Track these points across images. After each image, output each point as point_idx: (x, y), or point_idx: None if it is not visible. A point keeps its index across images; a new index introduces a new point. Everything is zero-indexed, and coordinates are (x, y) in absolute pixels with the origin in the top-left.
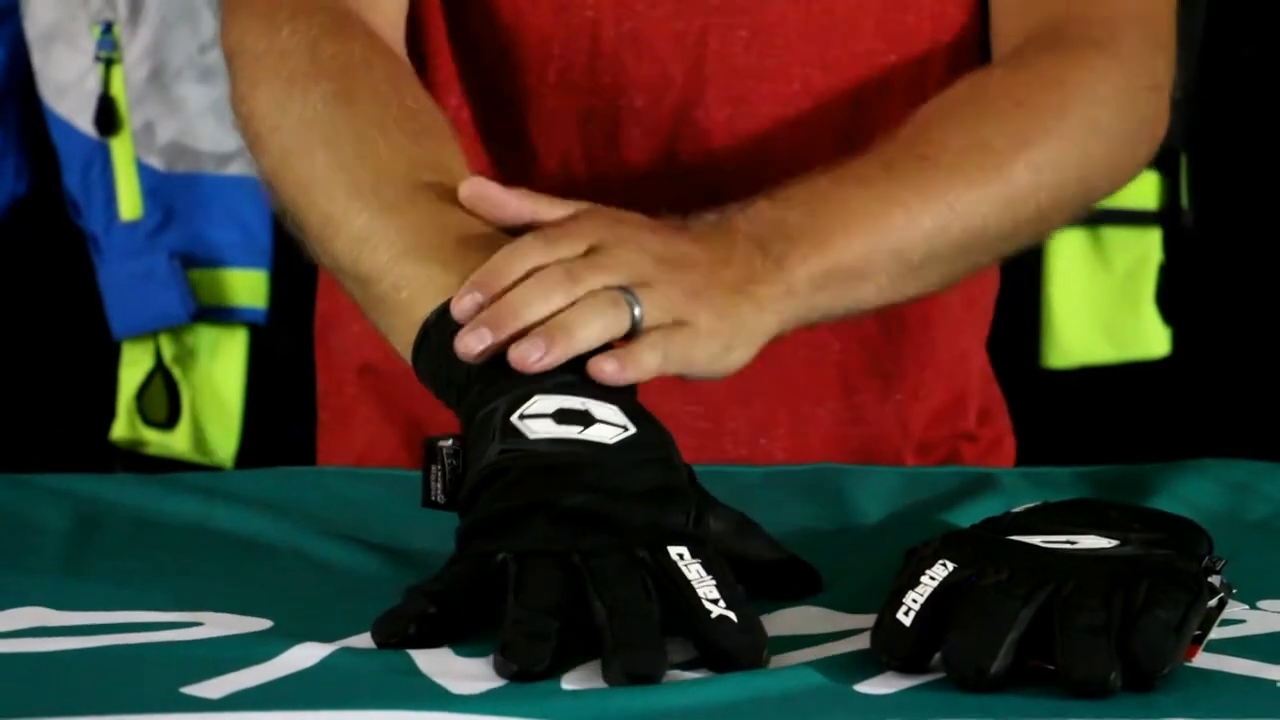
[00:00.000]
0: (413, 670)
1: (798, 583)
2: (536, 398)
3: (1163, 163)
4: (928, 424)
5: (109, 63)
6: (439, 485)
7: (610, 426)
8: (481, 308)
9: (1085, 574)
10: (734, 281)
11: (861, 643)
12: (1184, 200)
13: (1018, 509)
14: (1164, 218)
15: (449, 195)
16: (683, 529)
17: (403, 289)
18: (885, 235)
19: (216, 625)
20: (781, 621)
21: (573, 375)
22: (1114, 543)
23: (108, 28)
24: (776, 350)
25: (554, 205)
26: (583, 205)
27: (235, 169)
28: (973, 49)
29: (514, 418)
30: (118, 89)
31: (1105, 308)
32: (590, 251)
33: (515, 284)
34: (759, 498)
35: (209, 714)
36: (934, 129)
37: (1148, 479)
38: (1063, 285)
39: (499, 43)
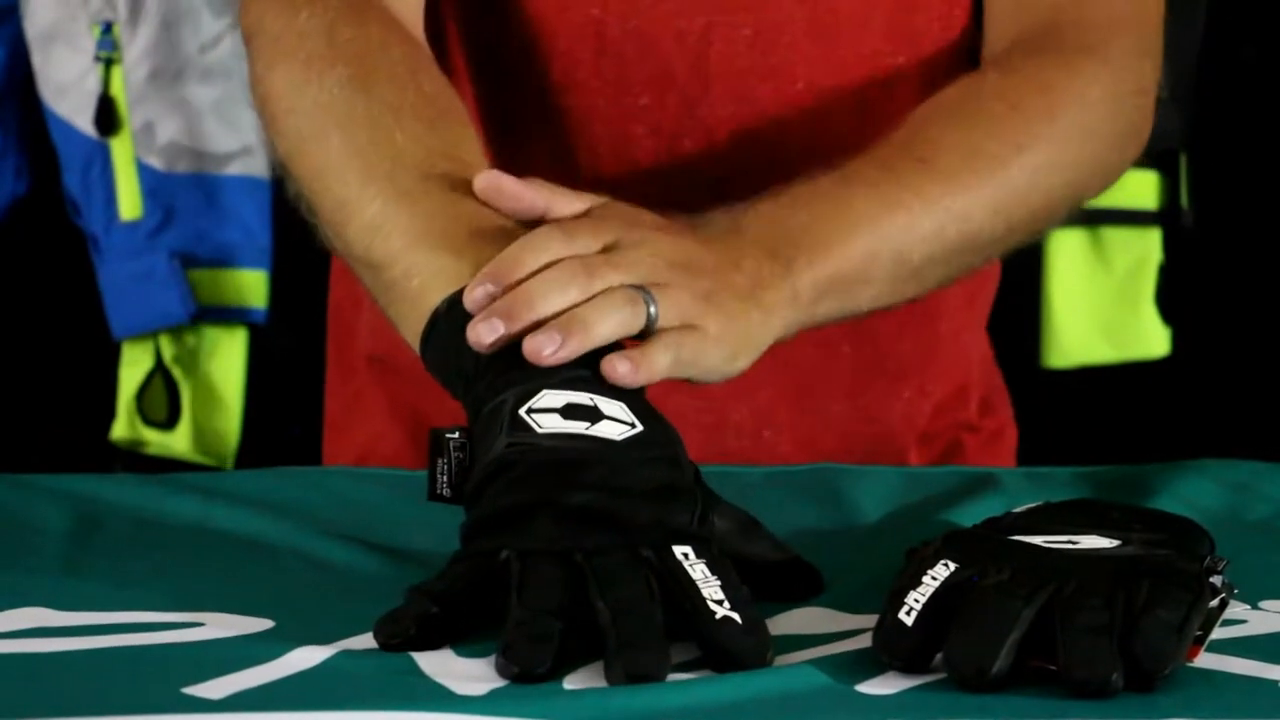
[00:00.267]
0: (414, 671)
1: (800, 584)
2: (545, 392)
3: (1163, 163)
4: (931, 416)
5: (109, 63)
6: (445, 478)
7: (617, 423)
8: (494, 298)
9: (1087, 574)
10: (744, 287)
11: (863, 643)
12: (1184, 200)
13: (1019, 509)
14: (1164, 218)
15: (463, 184)
16: (688, 528)
17: (414, 277)
18: (886, 239)
19: (217, 626)
20: (783, 622)
21: (581, 371)
22: (1115, 543)
23: (108, 28)
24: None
25: (569, 199)
26: (598, 199)
27: (235, 169)
28: (976, 51)
29: (522, 411)
30: (118, 89)
31: (1105, 308)
32: (607, 249)
33: (530, 276)
34: (760, 497)
35: (210, 714)
36: (930, 130)
37: (1148, 479)
38: (1063, 285)
39: (507, 39)
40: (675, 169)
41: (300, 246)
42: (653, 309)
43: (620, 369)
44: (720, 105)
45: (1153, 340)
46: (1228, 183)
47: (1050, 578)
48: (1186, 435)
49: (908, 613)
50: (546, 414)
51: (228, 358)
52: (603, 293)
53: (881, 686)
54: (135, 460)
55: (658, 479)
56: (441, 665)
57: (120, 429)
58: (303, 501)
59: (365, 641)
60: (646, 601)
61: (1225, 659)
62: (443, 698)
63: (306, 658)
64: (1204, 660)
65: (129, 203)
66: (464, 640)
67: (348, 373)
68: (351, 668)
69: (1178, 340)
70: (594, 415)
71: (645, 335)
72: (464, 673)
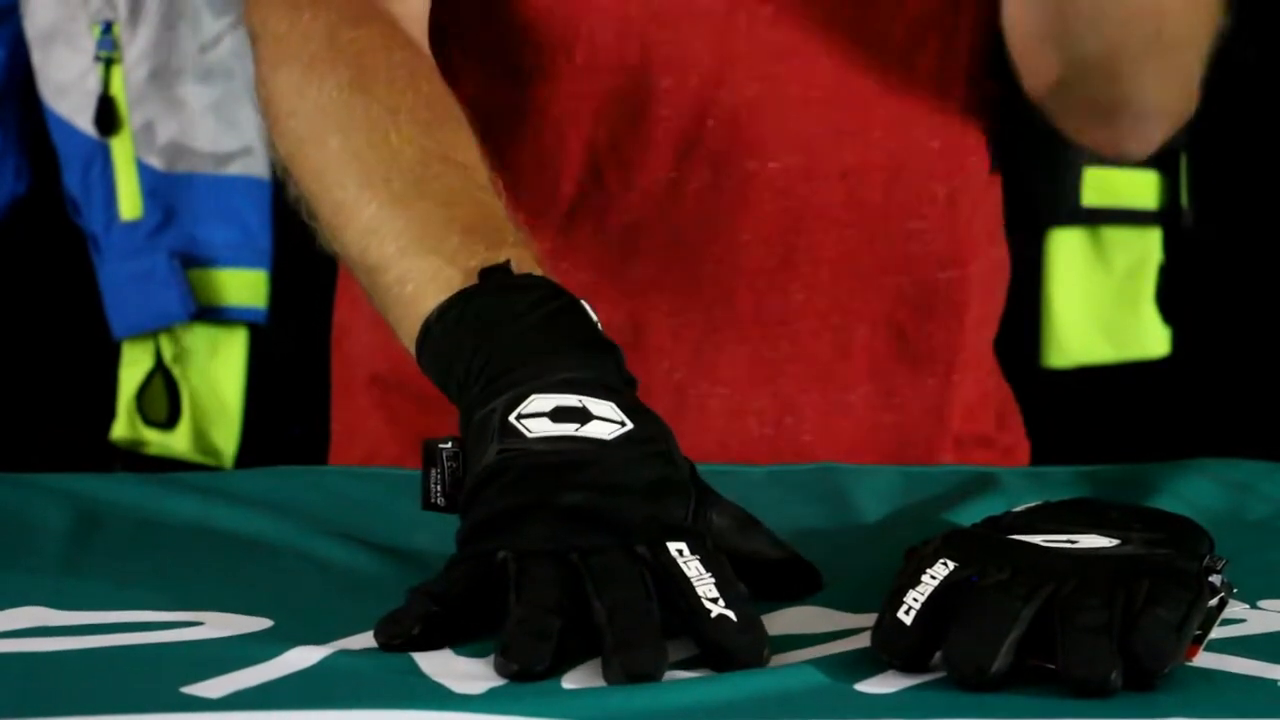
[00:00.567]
0: (414, 670)
1: (799, 582)
2: (533, 397)
3: (1163, 162)
4: (963, 417)
5: (109, 62)
6: (438, 488)
7: (608, 423)
8: None
9: (1086, 573)
10: None
11: (862, 642)
12: (1184, 200)
13: (1018, 508)
14: (1164, 218)
15: (457, 186)
16: (682, 523)
17: (408, 283)
18: None
19: (216, 625)
20: (782, 620)
21: (569, 374)
22: (1115, 542)
23: (107, 27)
24: (800, 330)
25: None
26: None
27: (235, 169)
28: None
29: (511, 418)
30: (117, 89)
31: (1105, 308)
32: None
33: None
34: (759, 497)
35: (209, 714)
36: None
37: (1148, 478)
38: (1063, 285)
39: (525, 25)
40: (698, 150)
41: (300, 247)
42: None
43: None
44: (743, 85)
45: (1153, 340)
46: (1228, 183)
47: (1050, 577)
48: (1186, 435)
49: (907, 612)
50: (536, 418)
51: (228, 358)
52: None
53: (880, 685)
54: (135, 460)
55: (650, 475)
56: (440, 664)
57: (120, 429)
58: (302, 501)
59: (364, 641)
60: (642, 600)
61: (1224, 658)
62: (441, 696)
63: (306, 657)
64: (1203, 659)
65: (129, 202)
66: (463, 641)
67: (349, 396)
68: (350, 667)
69: (1178, 340)
70: (583, 416)
71: None
72: (462, 671)
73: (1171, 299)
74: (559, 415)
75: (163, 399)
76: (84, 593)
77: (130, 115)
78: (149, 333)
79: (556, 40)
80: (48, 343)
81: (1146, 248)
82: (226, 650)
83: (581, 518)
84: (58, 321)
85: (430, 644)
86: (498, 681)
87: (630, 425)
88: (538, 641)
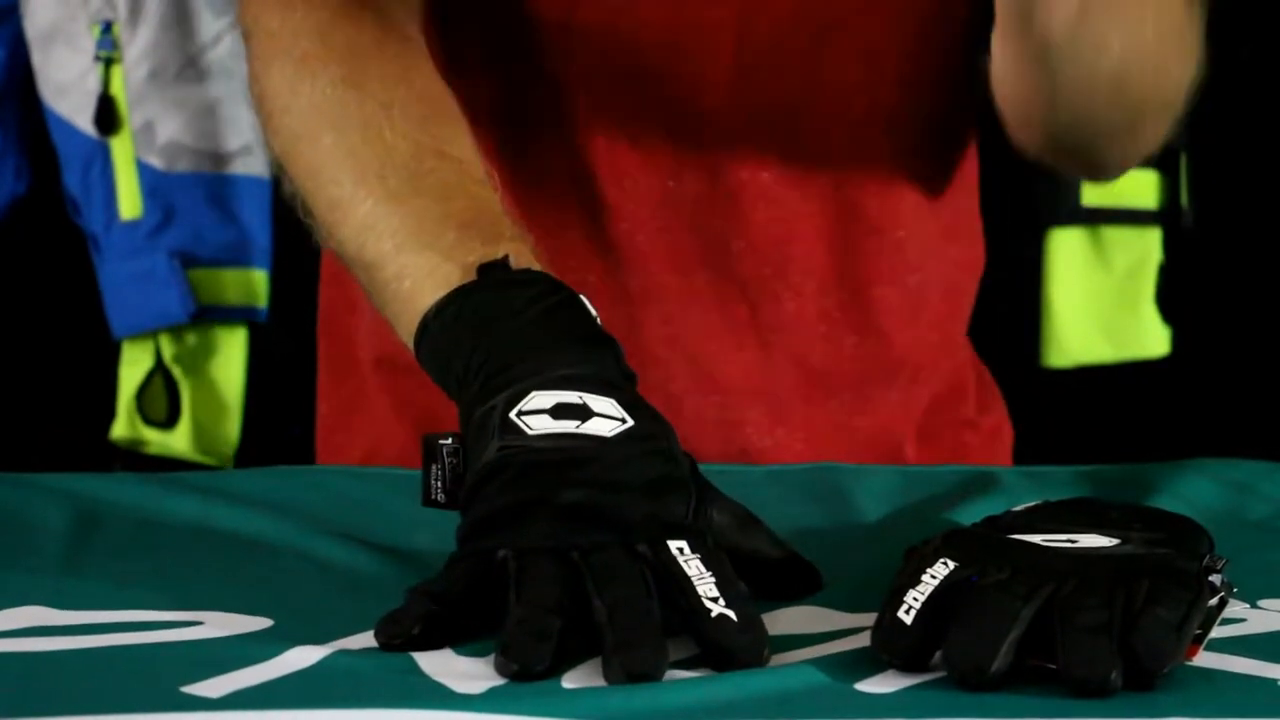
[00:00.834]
0: (414, 669)
1: (799, 581)
2: (534, 394)
3: (1163, 162)
4: (928, 410)
5: (109, 62)
6: (439, 484)
7: (608, 419)
8: None
9: (1086, 573)
10: None
11: (862, 641)
12: (1184, 200)
13: (1018, 508)
14: (1164, 217)
15: (453, 181)
16: (682, 521)
17: (405, 279)
18: None
19: (216, 625)
20: (782, 620)
21: (569, 370)
22: (1115, 542)
23: (107, 27)
24: (792, 341)
25: None
26: None
27: (235, 168)
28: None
29: (512, 414)
30: (117, 88)
31: (1105, 307)
32: None
33: None
34: (759, 496)
35: (209, 713)
36: None
37: (1148, 478)
38: (1063, 285)
39: (525, 32)
40: (693, 161)
41: (300, 246)
42: None
43: None
44: (737, 96)
45: (1152, 340)
46: (1228, 183)
47: (1049, 577)
48: (1186, 435)
49: (907, 611)
50: (536, 415)
51: (228, 357)
52: None
53: (880, 685)
54: (135, 460)
55: (650, 473)
56: (440, 664)
57: (120, 428)
58: (302, 501)
59: (364, 640)
60: (643, 598)
61: (1224, 658)
62: (441, 696)
63: (305, 657)
64: (1203, 659)
65: (129, 202)
66: (463, 640)
67: (343, 374)
68: (350, 666)
69: (1178, 340)
70: (584, 413)
71: None
72: (462, 671)
73: (1171, 299)
74: (559, 412)
75: (163, 399)
76: (84, 592)
77: (130, 115)
78: (149, 332)
79: (553, 51)
80: (48, 343)
81: (1146, 247)
82: (226, 650)
83: (582, 515)
84: (58, 321)
85: (430, 644)
86: (498, 681)
87: (631, 422)
88: (538, 641)
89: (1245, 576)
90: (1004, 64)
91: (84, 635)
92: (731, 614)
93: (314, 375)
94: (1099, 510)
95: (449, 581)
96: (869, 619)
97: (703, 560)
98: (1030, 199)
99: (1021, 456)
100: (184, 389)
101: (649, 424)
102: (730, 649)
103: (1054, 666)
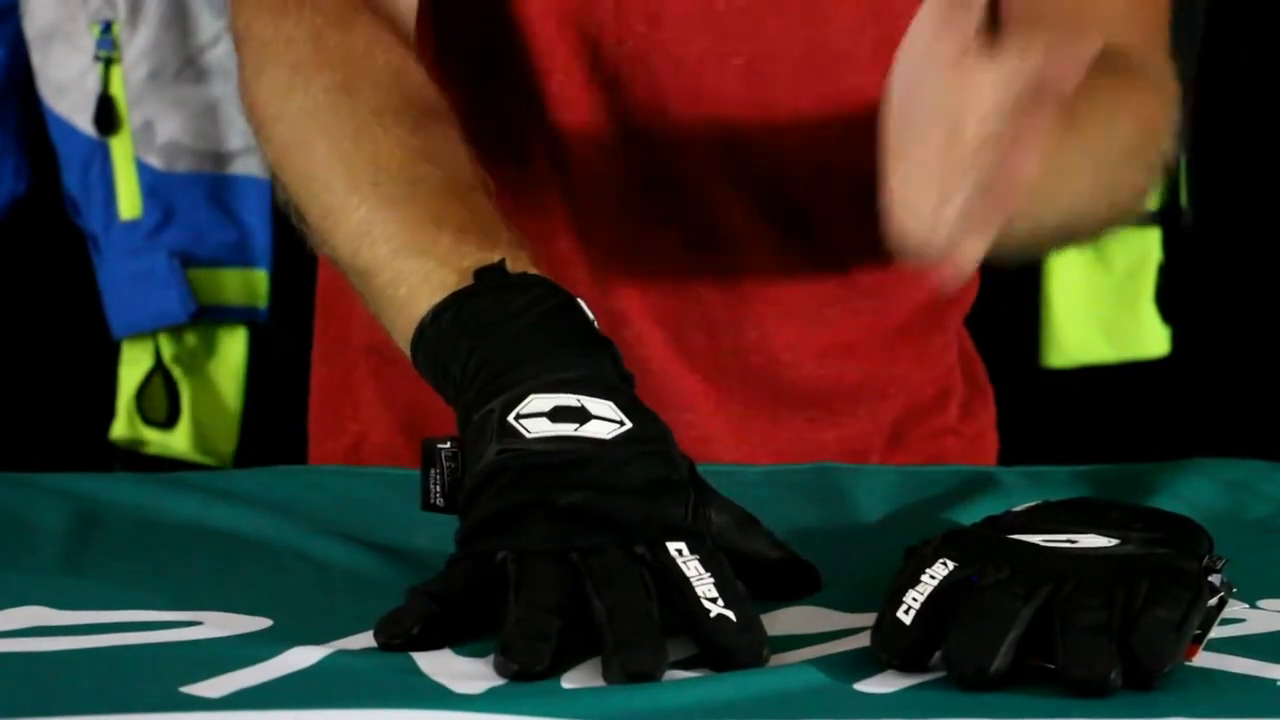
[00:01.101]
0: (413, 669)
1: (797, 581)
2: (532, 397)
3: None
4: (899, 419)
5: (108, 62)
6: (438, 488)
7: (606, 422)
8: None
9: (1086, 573)
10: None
11: (862, 641)
12: (1183, 200)
13: (1018, 508)
14: (1163, 217)
15: (447, 186)
16: (681, 523)
17: (400, 285)
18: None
19: (216, 625)
20: (781, 620)
21: (567, 373)
22: (1114, 542)
23: (107, 27)
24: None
25: None
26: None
27: (234, 168)
28: None
29: (510, 418)
30: (117, 88)
31: (1105, 307)
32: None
33: None
34: (758, 496)
35: (209, 713)
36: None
37: (1147, 478)
38: (1062, 285)
39: (504, 52)
40: (663, 192)
41: (300, 246)
42: None
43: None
44: (709, 132)
45: (1152, 340)
46: (1227, 183)
47: (1049, 577)
48: (1186, 435)
49: (906, 611)
50: (534, 418)
51: (228, 357)
52: None
53: (880, 685)
54: (135, 459)
55: (649, 475)
56: (440, 664)
57: (120, 428)
58: (302, 501)
59: (364, 640)
60: (642, 599)
61: (1224, 658)
62: (441, 696)
63: (305, 657)
64: (1202, 659)
65: (128, 202)
66: (463, 640)
67: (336, 359)
68: (350, 666)
69: (1177, 340)
70: (582, 416)
71: None
72: (462, 671)
73: (1171, 299)
74: (558, 415)
75: (162, 398)
76: (84, 592)
77: (130, 115)
78: (149, 332)
79: (532, 71)
80: (48, 343)
81: (1146, 247)
82: (226, 650)
83: (581, 517)
84: (58, 321)
85: (430, 644)
86: (497, 681)
87: (629, 424)
88: (537, 641)
89: (1245, 576)
90: None
91: (84, 635)
92: (731, 614)
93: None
94: (1099, 510)
95: (449, 582)
96: (869, 619)
97: (701, 561)
98: None
99: (1021, 456)
100: (184, 389)
101: (647, 426)
102: (730, 649)
103: (1054, 666)
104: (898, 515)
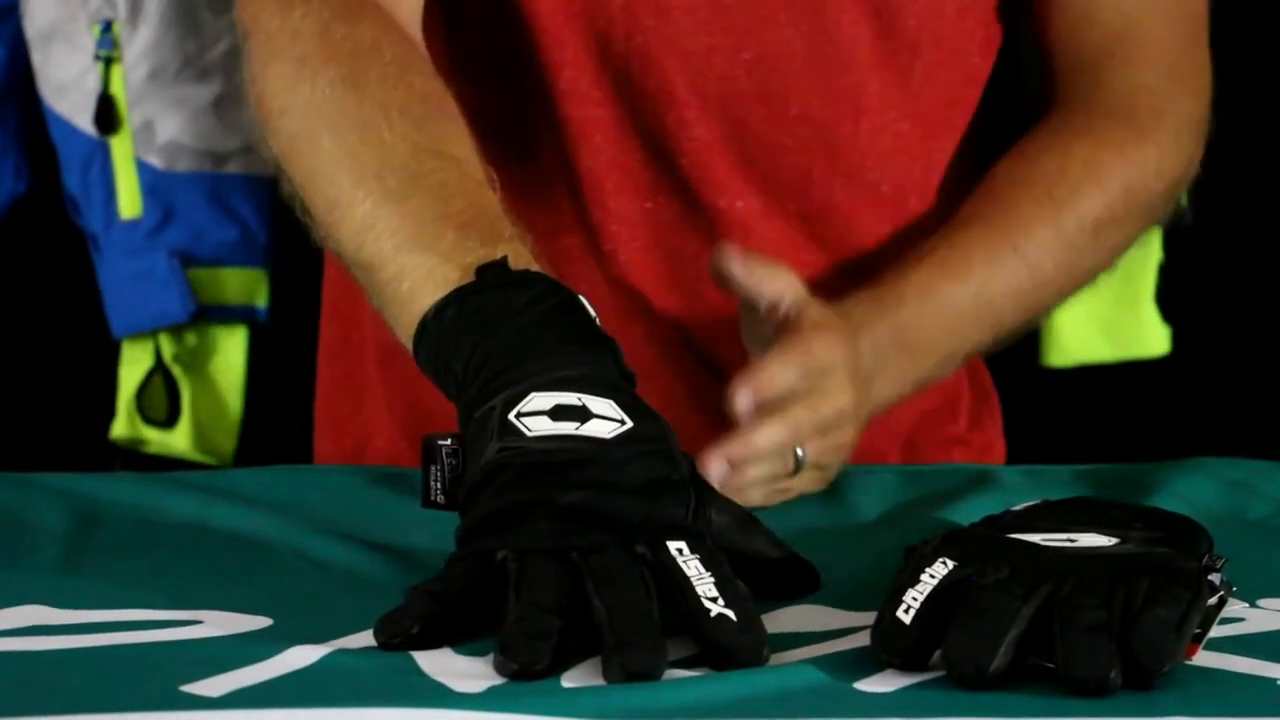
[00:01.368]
0: (413, 669)
1: (798, 581)
2: (533, 395)
3: None
4: (914, 426)
5: (108, 61)
6: (438, 485)
7: (607, 421)
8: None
9: (1085, 572)
10: (860, 425)
11: (861, 640)
12: (1183, 199)
13: (1018, 507)
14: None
15: (451, 181)
16: (681, 522)
17: (404, 280)
18: (978, 335)
19: (216, 624)
20: (781, 619)
21: (569, 371)
22: (1114, 541)
23: (107, 26)
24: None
25: (771, 280)
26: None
27: (235, 167)
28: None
29: (511, 416)
30: (117, 88)
31: (1104, 306)
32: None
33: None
34: None
35: (209, 712)
36: (1022, 210)
37: (1147, 478)
38: None
39: (512, 45)
40: (671, 185)
41: (300, 245)
42: (800, 456)
43: (714, 472)
44: (716, 126)
45: (1152, 339)
46: (1228, 183)
47: (1049, 576)
48: (1186, 434)
49: (906, 610)
50: (535, 417)
51: (228, 357)
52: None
53: (880, 684)
54: (135, 459)
55: (650, 474)
56: (440, 663)
57: (120, 428)
58: (302, 500)
59: (364, 639)
60: (642, 599)
61: (1224, 657)
62: (441, 695)
63: (305, 656)
64: (1202, 658)
65: (129, 201)
66: (463, 639)
67: (342, 360)
68: (350, 665)
69: (1178, 339)
70: (583, 415)
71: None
72: (462, 670)
73: (1171, 298)
74: (558, 413)
75: (162, 398)
76: (83, 592)
77: (130, 114)
78: (149, 332)
79: (539, 66)
80: (48, 343)
81: (1146, 247)
82: (226, 649)
83: (581, 516)
84: (58, 321)
85: (430, 643)
86: (497, 680)
87: (630, 424)
88: (537, 641)
89: (1245, 576)
90: None
91: (84, 635)
92: (731, 614)
93: (314, 375)
94: (1098, 510)
95: (448, 581)
96: (869, 619)
97: (702, 561)
98: None
99: (1021, 456)
100: (184, 388)
101: (648, 425)
102: (730, 649)
103: (1053, 666)
104: (898, 515)
